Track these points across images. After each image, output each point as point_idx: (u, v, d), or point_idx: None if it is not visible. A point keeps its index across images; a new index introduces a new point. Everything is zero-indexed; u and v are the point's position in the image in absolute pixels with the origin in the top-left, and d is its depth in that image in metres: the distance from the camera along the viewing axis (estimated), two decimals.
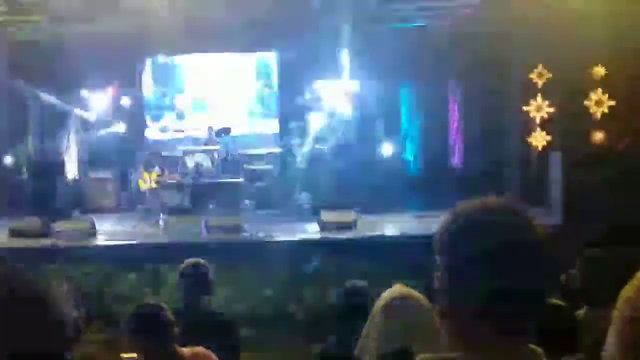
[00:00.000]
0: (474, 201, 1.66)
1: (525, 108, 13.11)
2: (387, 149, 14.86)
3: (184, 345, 3.68)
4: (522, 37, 12.69)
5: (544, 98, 12.98)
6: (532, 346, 1.61)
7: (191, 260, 4.68)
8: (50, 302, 1.54)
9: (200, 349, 3.73)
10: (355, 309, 3.82)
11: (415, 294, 2.90)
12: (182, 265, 4.65)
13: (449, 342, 1.65)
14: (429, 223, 11.22)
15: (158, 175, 12.50)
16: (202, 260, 4.68)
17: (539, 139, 13.02)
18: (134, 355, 3.67)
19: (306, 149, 14.41)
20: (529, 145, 13.18)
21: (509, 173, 13.68)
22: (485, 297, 1.56)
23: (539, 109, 13.01)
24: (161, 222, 11.93)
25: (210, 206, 13.32)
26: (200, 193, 13.63)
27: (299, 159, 14.41)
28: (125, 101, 15.99)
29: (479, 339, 1.58)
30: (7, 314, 1.48)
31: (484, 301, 1.56)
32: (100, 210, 13.88)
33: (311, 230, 11.15)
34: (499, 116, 13.94)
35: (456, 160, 15.36)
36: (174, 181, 13.16)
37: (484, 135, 14.21)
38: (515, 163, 13.63)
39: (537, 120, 13.04)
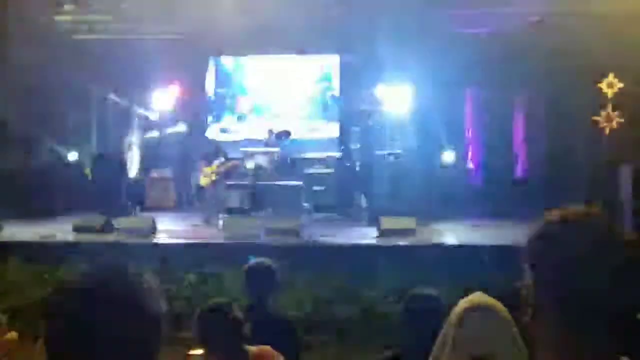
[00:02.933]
0: (561, 210, 1.66)
1: (594, 118, 12.75)
2: (448, 157, 14.63)
3: (251, 344, 3.61)
4: (591, 45, 12.31)
5: (614, 108, 12.60)
6: (622, 358, 1.59)
7: (258, 259, 4.62)
8: (149, 298, 1.52)
9: (267, 348, 3.66)
10: (426, 317, 3.70)
11: (496, 303, 2.79)
12: (249, 264, 4.58)
13: (537, 354, 1.66)
14: (490, 233, 11.04)
15: (217, 167, 12.59)
16: (268, 260, 4.62)
17: (608, 151, 12.63)
18: (200, 352, 3.61)
19: (366, 153, 14.30)
20: (597, 157, 12.78)
21: (575, 185, 13.27)
22: (575, 308, 1.56)
23: (608, 119, 12.63)
24: (220, 222, 11.96)
25: (269, 208, 13.32)
26: (259, 195, 13.64)
27: (358, 163, 14.30)
28: (187, 101, 16.16)
29: (567, 351, 1.58)
30: (109, 309, 1.46)
31: (574, 313, 1.56)
32: (160, 209, 14.07)
33: (370, 236, 11.00)
34: (566, 126, 13.55)
35: (520, 170, 15.02)
36: (235, 168, 13.14)
37: (549, 145, 13.85)
38: (583, 176, 13.21)
39: (607, 132, 12.65)
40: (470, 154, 15.51)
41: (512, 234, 11.03)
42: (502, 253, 8.98)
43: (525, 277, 1.65)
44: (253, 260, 4.59)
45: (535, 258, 1.63)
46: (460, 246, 9.97)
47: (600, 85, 12.74)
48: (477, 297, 2.90)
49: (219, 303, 3.67)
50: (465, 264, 8.91)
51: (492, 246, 9.58)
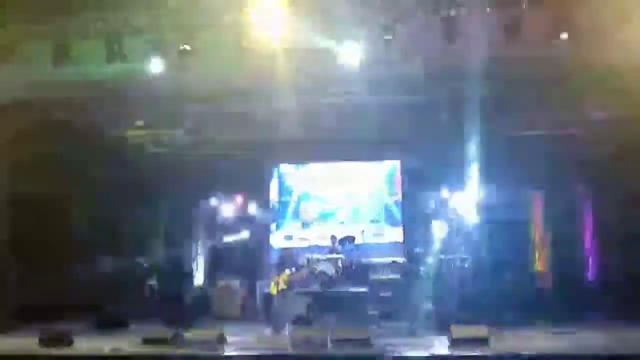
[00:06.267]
0: None
1: None
2: (516, 260, 14.33)
3: None
4: None
5: None
6: None
7: None
8: None
9: None
10: None
11: None
12: None
13: None
14: (564, 340, 10.62)
15: (289, 275, 12.61)
16: None
17: None
18: None
19: (432, 258, 14.12)
20: None
21: None
22: None
23: None
24: (287, 332, 11.85)
25: (335, 317, 13.14)
26: (325, 302, 13.50)
27: (424, 268, 14.12)
28: (252, 209, 16.39)
29: None
30: None
31: None
32: (227, 318, 14.03)
33: (441, 346, 10.69)
34: (638, 225, 13.21)
35: (591, 272, 14.59)
36: (304, 278, 13.11)
37: (621, 246, 13.46)
38: None
39: None
40: (538, 256, 15.18)
41: (589, 341, 10.66)
42: None
43: None
44: None
45: None
46: (538, 357, 9.58)
47: None
48: None
49: None
50: None
51: (571, 356, 9.23)
